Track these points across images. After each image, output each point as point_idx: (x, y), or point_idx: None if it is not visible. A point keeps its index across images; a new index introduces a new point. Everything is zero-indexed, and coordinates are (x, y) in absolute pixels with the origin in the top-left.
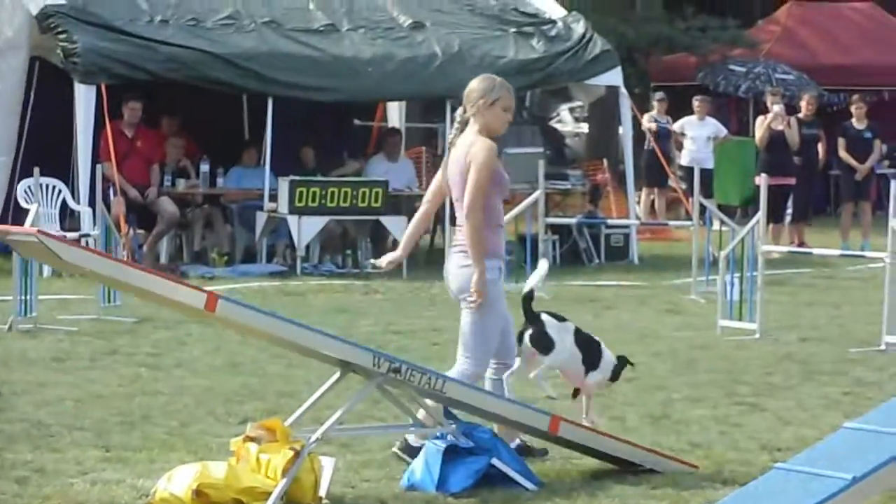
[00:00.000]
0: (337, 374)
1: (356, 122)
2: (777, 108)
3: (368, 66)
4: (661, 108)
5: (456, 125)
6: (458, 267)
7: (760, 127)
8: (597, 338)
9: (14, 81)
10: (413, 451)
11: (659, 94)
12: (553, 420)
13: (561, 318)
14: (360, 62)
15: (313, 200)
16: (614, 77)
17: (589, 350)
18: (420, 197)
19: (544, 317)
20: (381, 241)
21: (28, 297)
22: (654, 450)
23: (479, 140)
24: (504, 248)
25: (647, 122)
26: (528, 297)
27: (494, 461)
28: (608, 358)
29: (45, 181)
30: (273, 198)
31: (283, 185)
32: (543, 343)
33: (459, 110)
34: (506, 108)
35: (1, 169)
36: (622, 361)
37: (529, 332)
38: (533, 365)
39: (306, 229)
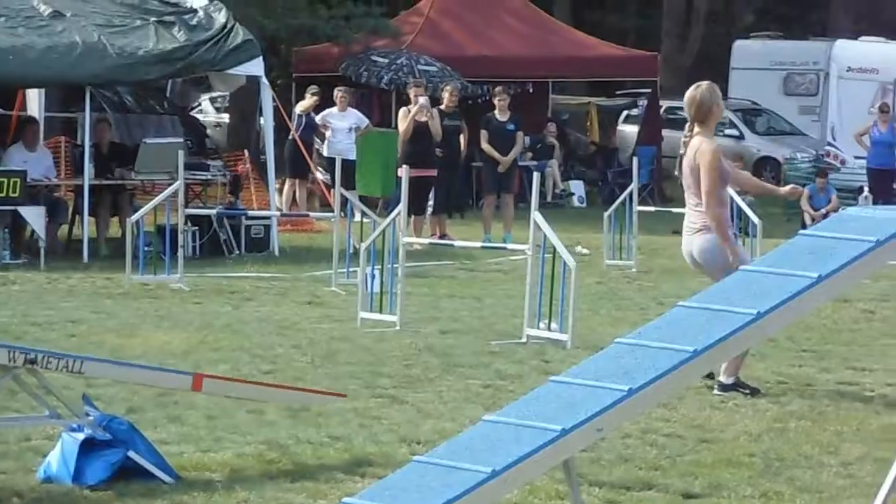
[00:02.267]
0: None
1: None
2: (422, 99)
3: (9, 55)
4: (312, 103)
5: (687, 132)
6: (701, 243)
7: (404, 119)
8: None
9: None
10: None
11: (313, 88)
12: (195, 378)
13: None
14: (0, 51)
15: None
16: (255, 67)
17: None
18: (59, 187)
19: None
20: (19, 232)
21: None
22: (301, 388)
23: (703, 143)
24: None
25: (299, 110)
26: None
27: (131, 453)
28: None
29: None
30: None
31: None
32: None
33: (687, 126)
34: (722, 100)
35: None
36: None
37: None
38: None
39: None
